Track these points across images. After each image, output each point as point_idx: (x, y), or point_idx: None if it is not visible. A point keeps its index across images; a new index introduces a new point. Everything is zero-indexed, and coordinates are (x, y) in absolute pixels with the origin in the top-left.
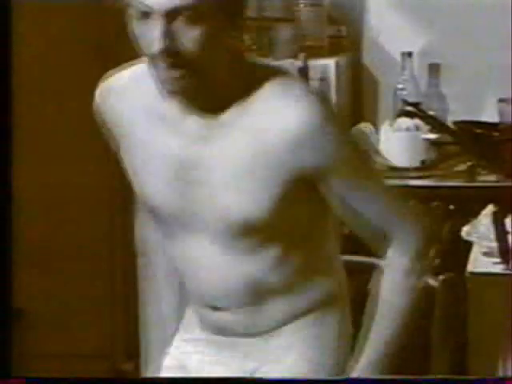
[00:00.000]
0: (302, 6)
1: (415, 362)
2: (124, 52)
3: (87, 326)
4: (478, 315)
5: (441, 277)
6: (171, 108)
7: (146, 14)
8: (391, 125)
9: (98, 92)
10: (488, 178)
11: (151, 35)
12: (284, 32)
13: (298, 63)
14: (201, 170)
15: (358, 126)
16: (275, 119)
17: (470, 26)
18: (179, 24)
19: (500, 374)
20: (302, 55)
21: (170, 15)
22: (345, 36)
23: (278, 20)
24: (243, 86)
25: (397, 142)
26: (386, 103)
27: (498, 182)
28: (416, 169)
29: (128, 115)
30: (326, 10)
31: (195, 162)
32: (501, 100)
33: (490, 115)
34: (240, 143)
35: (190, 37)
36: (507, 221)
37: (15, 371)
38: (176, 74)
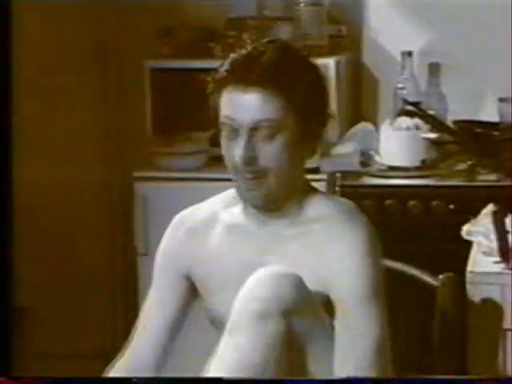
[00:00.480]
0: (302, 5)
1: (415, 362)
2: (124, 52)
3: (88, 326)
4: (478, 315)
5: (441, 277)
6: (247, 219)
7: (234, 132)
8: (391, 124)
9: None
10: (488, 178)
11: (235, 149)
12: (284, 31)
13: None
14: None
15: (360, 125)
16: (335, 245)
17: (470, 25)
18: (260, 138)
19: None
20: None
21: (253, 129)
22: (345, 35)
23: (277, 19)
24: (303, 200)
25: (397, 142)
26: (386, 102)
27: (498, 181)
28: (416, 168)
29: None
30: (326, 9)
31: (256, 266)
32: (501, 99)
33: (490, 115)
34: (299, 259)
35: (269, 148)
36: (507, 220)
37: (16, 370)
38: (254, 184)
